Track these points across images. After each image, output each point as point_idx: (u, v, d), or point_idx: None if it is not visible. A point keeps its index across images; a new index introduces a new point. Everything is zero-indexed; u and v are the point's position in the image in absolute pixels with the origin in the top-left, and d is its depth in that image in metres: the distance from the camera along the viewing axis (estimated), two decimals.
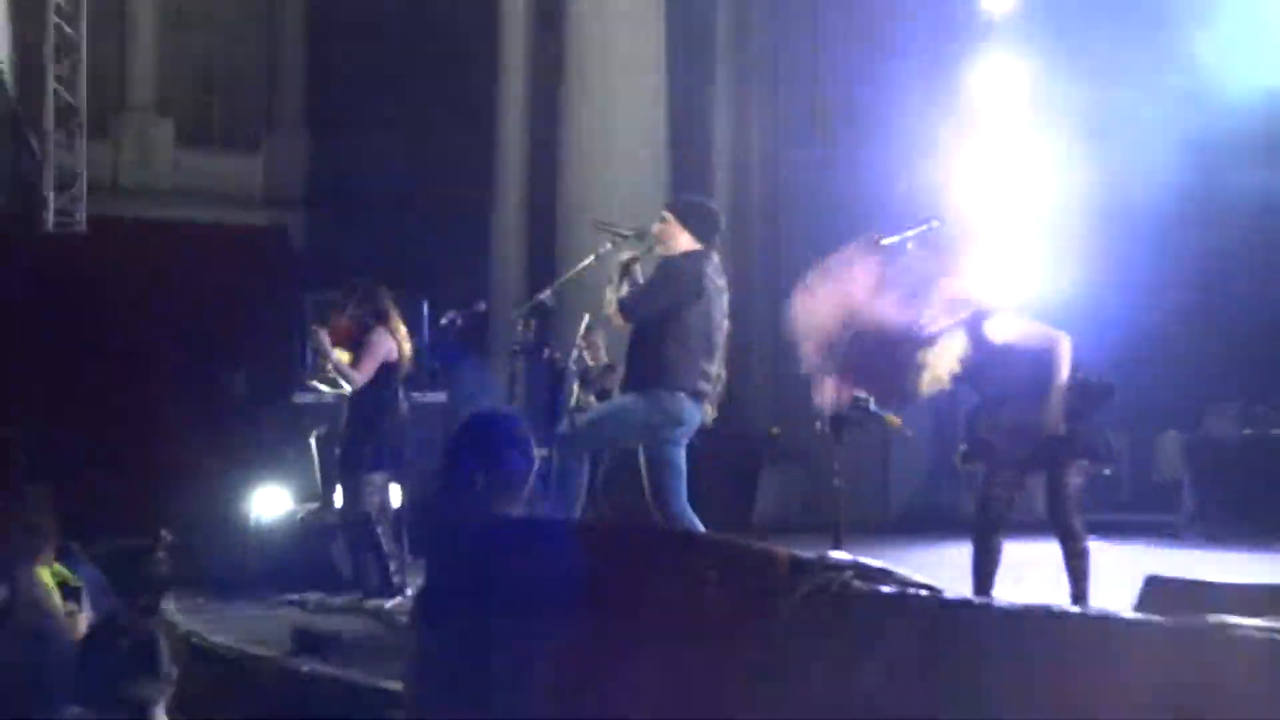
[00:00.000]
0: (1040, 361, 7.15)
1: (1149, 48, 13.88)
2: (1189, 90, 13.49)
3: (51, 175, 14.13)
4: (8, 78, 13.39)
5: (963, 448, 7.80)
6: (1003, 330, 7.32)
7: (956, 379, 7.51)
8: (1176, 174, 12.73)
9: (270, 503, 10.42)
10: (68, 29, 14.53)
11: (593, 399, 10.77)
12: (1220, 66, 13.62)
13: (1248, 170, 12.16)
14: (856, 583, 3.04)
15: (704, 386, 7.58)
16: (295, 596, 9.23)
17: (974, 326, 7.34)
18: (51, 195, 14.12)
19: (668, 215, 7.90)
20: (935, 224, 7.82)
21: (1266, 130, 11.90)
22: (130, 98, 17.41)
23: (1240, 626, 2.61)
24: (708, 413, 7.77)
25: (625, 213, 11.09)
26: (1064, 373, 7.07)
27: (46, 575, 7.33)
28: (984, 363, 7.39)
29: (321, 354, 9.18)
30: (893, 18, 15.43)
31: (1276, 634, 2.56)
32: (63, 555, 7.62)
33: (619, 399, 8.25)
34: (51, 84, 14.27)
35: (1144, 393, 12.56)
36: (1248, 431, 12.14)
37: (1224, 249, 11.53)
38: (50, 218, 14.03)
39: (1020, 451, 7.13)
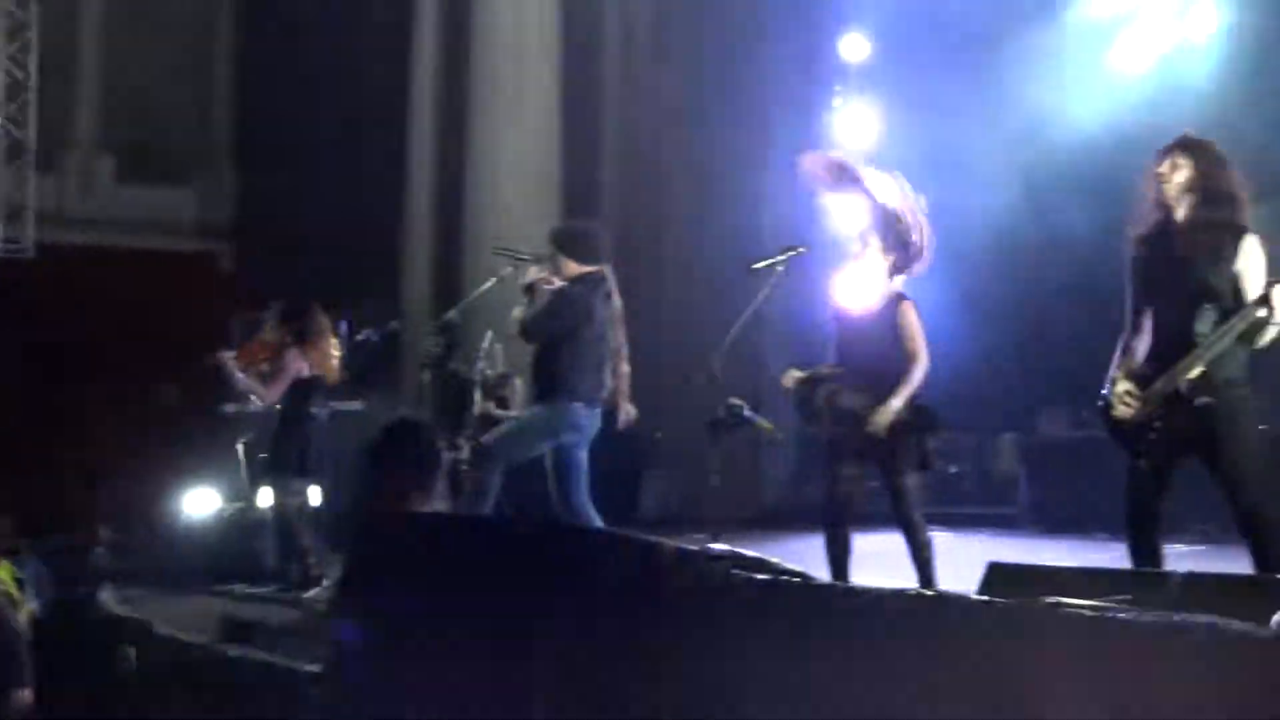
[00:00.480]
0: (895, 366, 7.12)
1: (987, 92, 14.07)
2: (1022, 131, 13.69)
3: (1, 206, 13.95)
4: None
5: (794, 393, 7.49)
6: (903, 316, 7.21)
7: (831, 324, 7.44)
8: (1010, 209, 12.92)
9: (200, 502, 10.43)
10: (17, 72, 14.38)
11: (491, 405, 10.79)
12: (1050, 109, 13.85)
13: (1074, 206, 12.34)
14: (735, 571, 3.05)
15: (600, 394, 7.71)
16: (223, 587, 9.18)
17: (889, 304, 7.25)
18: (1, 225, 13.93)
19: (558, 239, 8.04)
20: (801, 250, 7.84)
21: (1091, 168, 12.07)
22: (74, 135, 17.15)
23: (1071, 606, 2.65)
24: (629, 410, 7.89)
25: (524, 238, 11.11)
26: (910, 388, 7.05)
27: (3, 571, 7.27)
28: (862, 329, 7.29)
29: (227, 375, 9.16)
30: (763, 63, 15.55)
31: (1102, 612, 2.60)
32: (9, 551, 7.56)
33: (526, 412, 8.31)
34: (1, 123, 14.08)
35: (984, 399, 12.75)
36: (1076, 433, 12.36)
37: (1054, 275, 11.68)
38: (0, 245, 13.86)
39: (851, 439, 7.09)
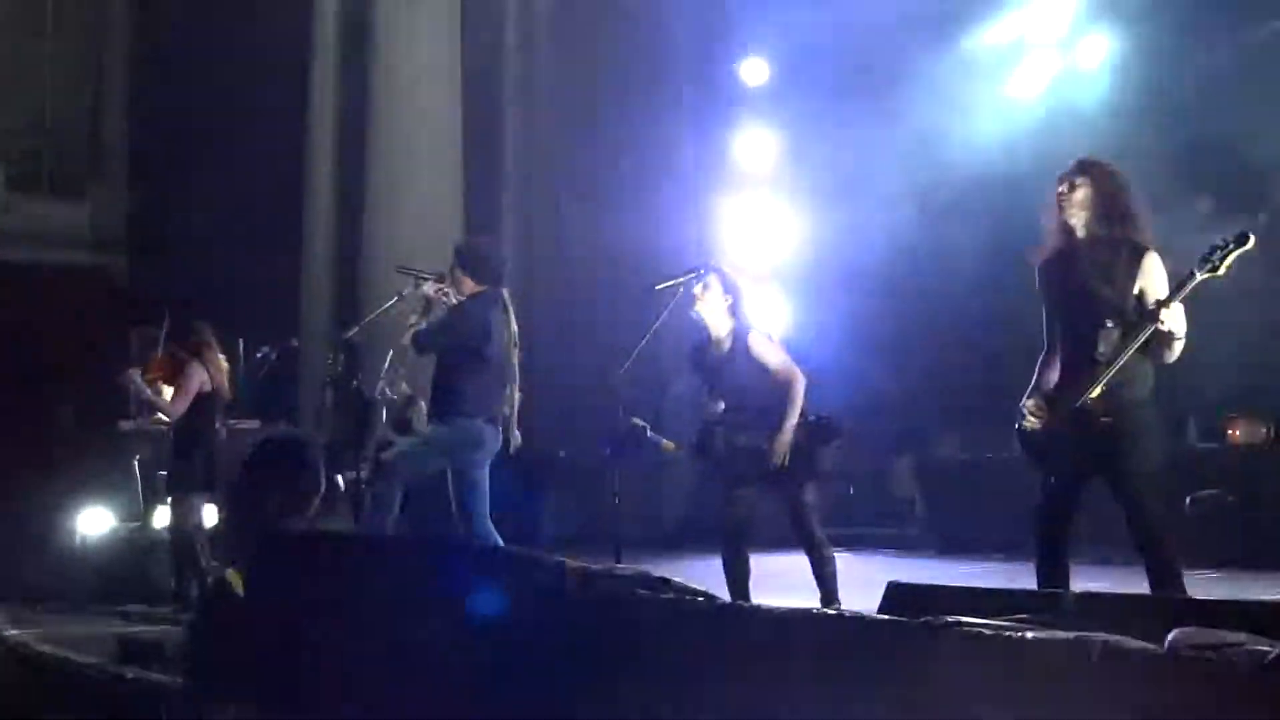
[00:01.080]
0: (776, 393, 7.16)
1: (885, 117, 14.20)
2: (919, 155, 13.83)
3: None
4: None
5: (693, 439, 7.54)
6: (756, 345, 7.22)
7: (691, 367, 7.53)
8: (907, 231, 13.04)
9: (95, 521, 10.27)
10: None
11: (390, 431, 10.75)
12: (946, 133, 14.02)
13: (970, 229, 12.49)
14: (640, 591, 3.07)
15: (499, 412, 7.69)
16: (119, 608, 9.05)
17: (739, 335, 7.32)
18: None
19: (453, 261, 8.03)
20: (702, 272, 7.86)
21: (986, 192, 12.23)
22: None
23: (969, 624, 2.69)
24: (516, 436, 7.89)
25: (424, 255, 11.07)
26: (796, 410, 7.09)
27: None
28: (723, 368, 7.33)
29: (135, 392, 9.04)
30: (662, 84, 15.62)
31: (999, 631, 2.64)
32: None
33: (427, 430, 8.27)
34: None
35: (880, 424, 12.85)
36: (966, 456, 12.52)
37: (949, 298, 11.80)
38: None
39: (755, 472, 7.14)
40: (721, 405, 7.31)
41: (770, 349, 7.25)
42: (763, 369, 7.18)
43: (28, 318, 13.29)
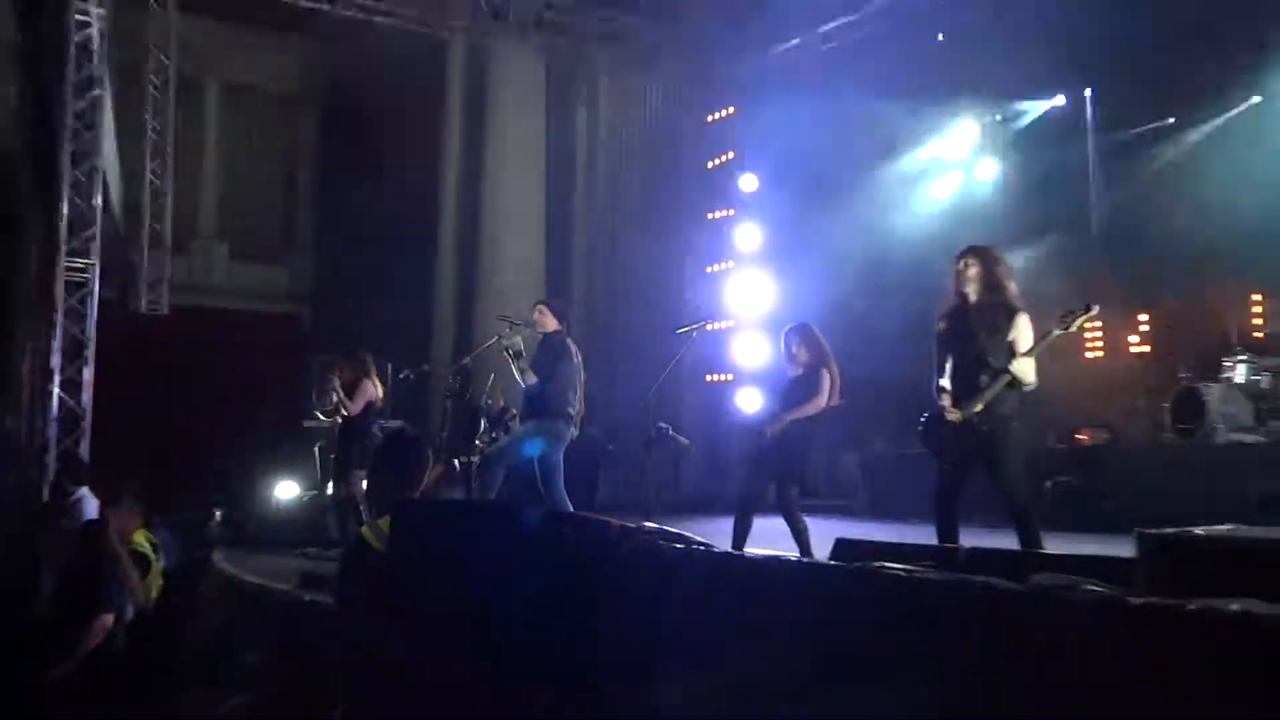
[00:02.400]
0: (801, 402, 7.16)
1: (840, 213, 14.22)
2: (864, 241, 13.85)
3: (144, 278, 13.87)
4: (117, 217, 13.13)
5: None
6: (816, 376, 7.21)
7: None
8: (854, 294, 13.04)
9: (286, 490, 10.35)
10: (157, 183, 14.29)
11: (498, 431, 10.78)
12: (884, 226, 14.03)
13: (899, 292, 12.47)
14: (661, 542, 3.09)
15: (573, 413, 7.71)
16: (301, 550, 9.11)
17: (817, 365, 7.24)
18: (144, 290, 13.83)
19: (544, 308, 8.06)
20: (709, 323, 7.90)
21: (911, 267, 12.21)
22: (199, 227, 17.05)
23: (890, 568, 2.69)
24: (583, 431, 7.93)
25: (516, 301, 11.16)
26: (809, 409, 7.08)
27: (140, 537, 7.17)
28: (788, 384, 7.32)
29: (334, 390, 9.09)
30: (683, 195, 15.73)
31: (911, 573, 2.64)
32: (148, 524, 7.46)
33: (520, 427, 8.28)
34: (147, 220, 14.03)
35: (833, 428, 12.79)
36: (892, 451, 12.52)
37: (882, 340, 11.75)
38: (144, 304, 13.74)
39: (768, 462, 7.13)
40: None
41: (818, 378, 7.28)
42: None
43: (242, 349, 13.47)
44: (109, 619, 6.25)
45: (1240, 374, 11.08)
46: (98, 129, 12.06)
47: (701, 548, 3.07)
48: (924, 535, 5.67)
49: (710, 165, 15.85)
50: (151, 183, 14.25)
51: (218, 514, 10.36)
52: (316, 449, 10.59)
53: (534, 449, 7.70)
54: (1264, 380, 10.93)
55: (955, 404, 5.67)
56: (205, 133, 17.63)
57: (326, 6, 14.11)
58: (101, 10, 12.15)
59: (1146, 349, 13.12)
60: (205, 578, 8.01)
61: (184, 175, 15.82)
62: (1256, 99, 11.70)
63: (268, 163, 18.50)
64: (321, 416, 10.06)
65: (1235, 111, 11.85)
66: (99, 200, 12.02)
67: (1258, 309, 11.95)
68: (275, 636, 6.28)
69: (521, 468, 7.79)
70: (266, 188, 18.42)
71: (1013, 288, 5.82)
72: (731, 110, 15.74)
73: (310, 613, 6.10)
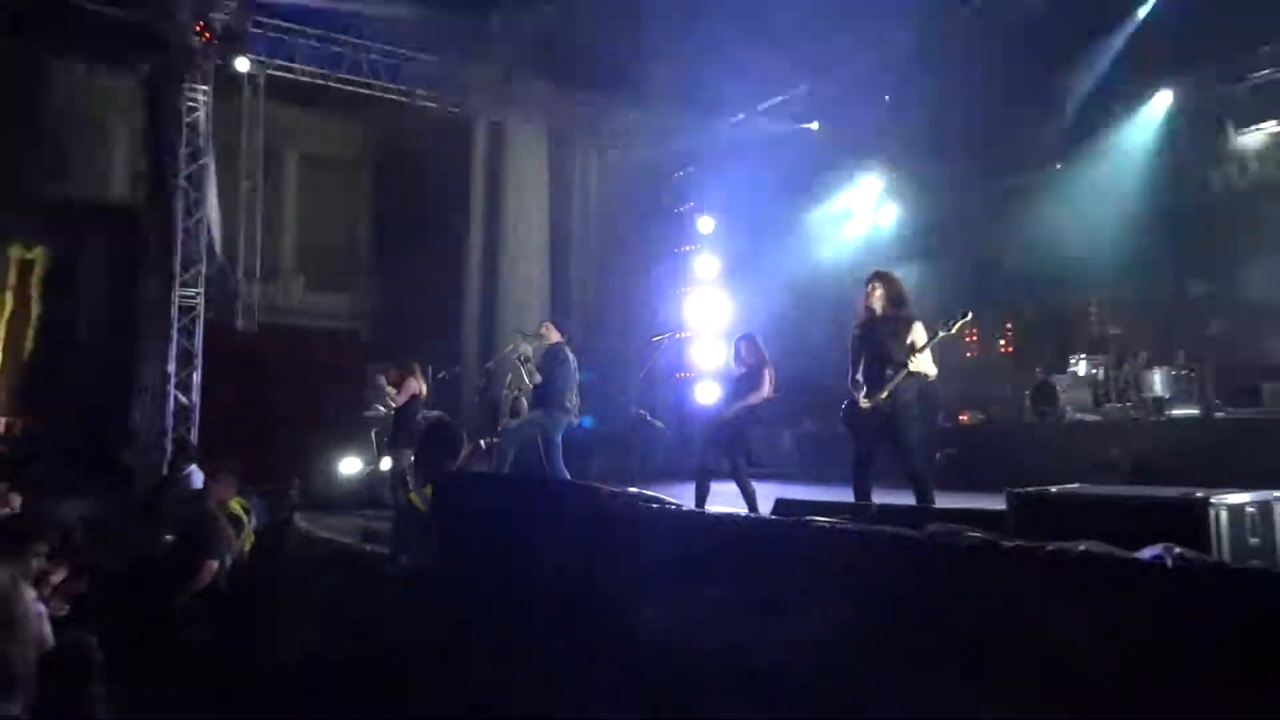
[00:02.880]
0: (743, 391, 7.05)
1: (780, 249, 14.26)
2: (798, 270, 13.87)
3: (240, 303, 13.74)
4: (219, 257, 13.03)
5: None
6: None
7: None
8: (790, 312, 13.01)
9: (350, 465, 10.24)
10: (251, 231, 14.15)
11: (511, 417, 10.71)
12: (814, 258, 14.08)
13: (823, 310, 12.49)
14: (641, 503, 3.07)
15: (571, 405, 7.61)
16: (361, 512, 9.04)
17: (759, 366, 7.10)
18: (240, 312, 13.71)
19: (549, 325, 7.98)
20: (675, 334, 7.84)
21: (832, 291, 12.24)
22: (280, 264, 16.93)
23: (818, 521, 2.69)
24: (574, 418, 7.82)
25: (528, 317, 11.10)
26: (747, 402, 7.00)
27: (235, 504, 7.12)
28: (735, 380, 7.17)
29: (382, 388, 9.04)
30: (653, 233, 15.62)
31: (833, 524, 2.63)
32: (241, 492, 7.41)
33: (529, 414, 8.18)
34: (242, 254, 13.89)
35: (774, 413, 12.71)
36: (820, 429, 12.34)
37: (812, 344, 11.73)
38: (240, 323, 13.62)
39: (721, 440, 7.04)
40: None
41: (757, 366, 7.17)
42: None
43: (314, 358, 13.35)
44: (214, 564, 6.20)
45: (1082, 368, 11.17)
46: (204, 189, 12.20)
47: (672, 506, 3.06)
48: (845, 495, 5.66)
49: (677, 211, 15.79)
50: (245, 230, 14.11)
51: (297, 485, 10.25)
52: (373, 433, 10.50)
53: (538, 431, 7.60)
54: (1099, 372, 11.00)
55: (867, 394, 5.66)
56: (285, 191, 17.55)
57: (379, 93, 14.07)
58: (207, 97, 12.19)
59: (1011, 349, 13.23)
60: (289, 534, 7.92)
61: (271, 224, 15.65)
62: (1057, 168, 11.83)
63: (335, 213, 18.38)
64: (380, 409, 9.98)
65: (1061, 167, 11.87)
66: (204, 244, 12.15)
67: (1094, 316, 12.03)
68: (341, 577, 6.23)
69: (529, 446, 7.75)
70: (335, 232, 18.30)
71: (909, 302, 5.82)
72: (691, 169, 15.72)
73: (369, 559, 6.06)
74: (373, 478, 10.05)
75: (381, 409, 9.68)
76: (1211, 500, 3.42)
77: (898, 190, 14.10)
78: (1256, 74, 10.43)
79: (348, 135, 17.88)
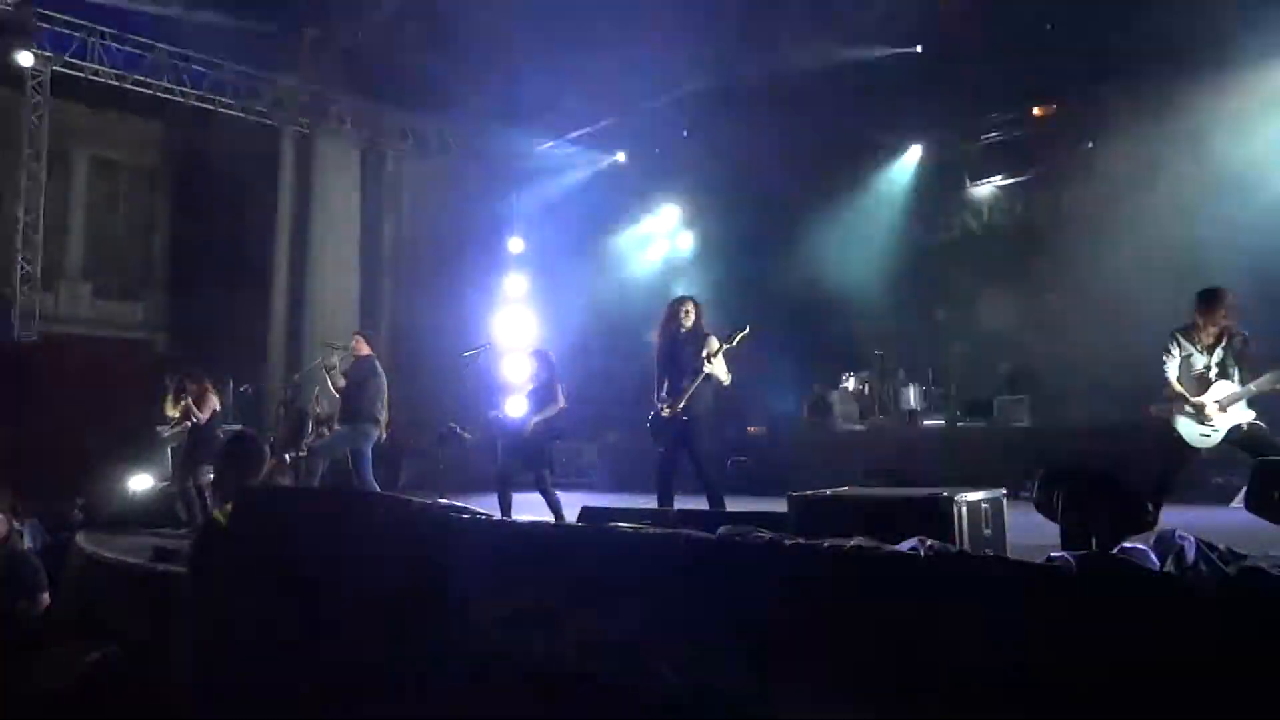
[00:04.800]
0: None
1: (588, 270, 14.36)
2: (608, 291, 14.03)
3: (18, 312, 12.30)
4: None
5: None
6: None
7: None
8: (597, 333, 13.09)
9: (141, 482, 9.38)
10: (30, 233, 12.68)
11: (320, 431, 10.19)
12: (621, 280, 14.30)
13: (629, 327, 12.53)
14: (451, 514, 3.00)
15: (380, 417, 7.33)
16: (154, 531, 8.29)
17: (550, 380, 6.90)
18: (17, 322, 12.27)
19: (359, 338, 7.68)
20: (484, 347, 7.70)
21: (638, 308, 12.40)
22: (66, 268, 15.35)
23: (620, 528, 2.71)
24: (384, 433, 7.51)
25: (336, 332, 10.60)
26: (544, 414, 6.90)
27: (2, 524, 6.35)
28: (530, 394, 7.00)
29: (191, 405, 8.34)
30: (466, 254, 15.29)
31: (637, 530, 2.65)
32: (14, 512, 6.63)
33: (339, 430, 7.73)
34: (19, 262, 12.43)
35: (578, 425, 12.64)
36: (623, 440, 12.18)
37: (619, 362, 11.79)
38: (17, 334, 12.19)
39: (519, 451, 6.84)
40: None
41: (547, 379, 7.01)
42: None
43: (106, 369, 12.14)
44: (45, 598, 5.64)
45: (851, 384, 11.92)
46: None
47: (481, 516, 3.01)
48: (647, 502, 5.74)
49: (489, 230, 15.60)
50: (24, 234, 12.65)
51: (79, 503, 9.26)
52: (169, 450, 9.66)
53: (347, 445, 7.27)
54: (865, 388, 11.79)
55: (669, 404, 5.80)
56: (74, 193, 15.98)
57: (179, 99, 13.08)
58: None
59: (790, 366, 13.83)
60: (69, 556, 7.13)
61: (52, 226, 14.17)
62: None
63: (130, 218, 16.93)
64: (173, 427, 9.20)
65: (833, 204, 12.62)
66: None
67: (860, 338, 12.75)
68: (128, 600, 5.69)
69: (338, 459, 7.39)
70: (129, 238, 16.83)
71: (704, 319, 6.04)
72: (504, 193, 15.61)
73: (165, 581, 5.56)
74: (166, 495, 9.26)
75: (195, 419, 8.85)
76: (955, 498, 3.86)
77: (694, 219, 14.57)
78: (988, 135, 11.73)
79: (145, 140, 16.53)
